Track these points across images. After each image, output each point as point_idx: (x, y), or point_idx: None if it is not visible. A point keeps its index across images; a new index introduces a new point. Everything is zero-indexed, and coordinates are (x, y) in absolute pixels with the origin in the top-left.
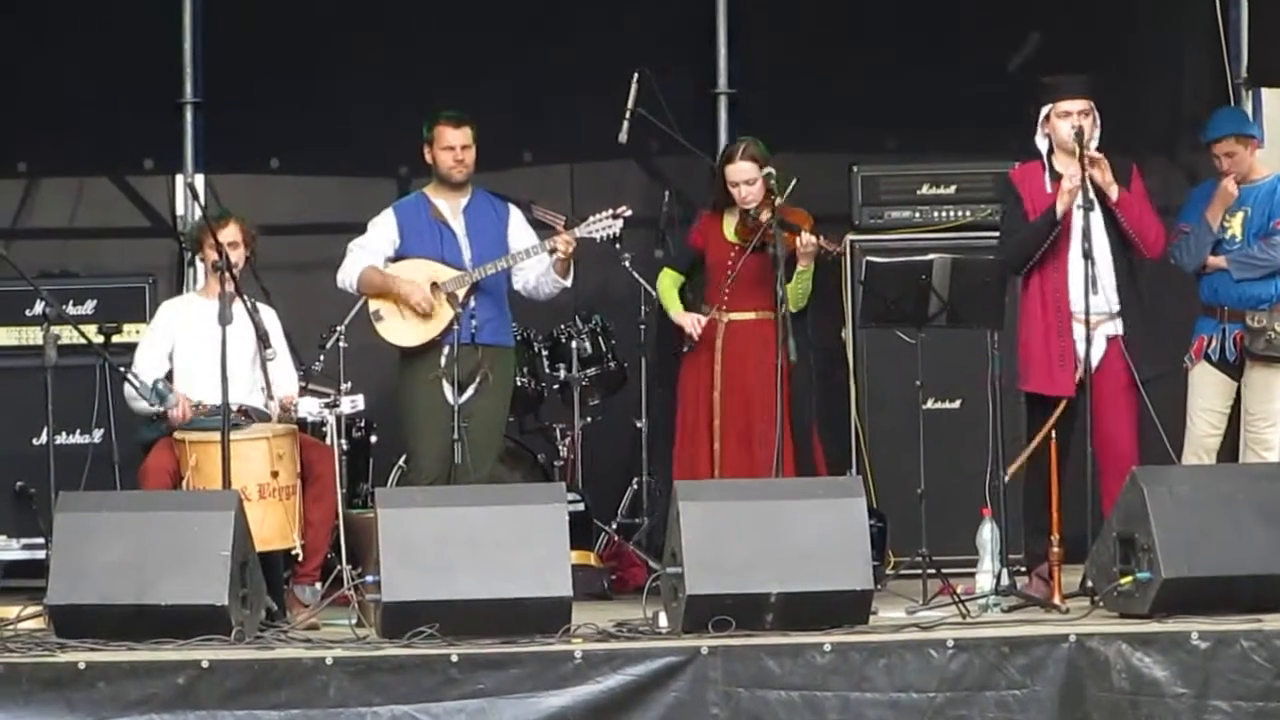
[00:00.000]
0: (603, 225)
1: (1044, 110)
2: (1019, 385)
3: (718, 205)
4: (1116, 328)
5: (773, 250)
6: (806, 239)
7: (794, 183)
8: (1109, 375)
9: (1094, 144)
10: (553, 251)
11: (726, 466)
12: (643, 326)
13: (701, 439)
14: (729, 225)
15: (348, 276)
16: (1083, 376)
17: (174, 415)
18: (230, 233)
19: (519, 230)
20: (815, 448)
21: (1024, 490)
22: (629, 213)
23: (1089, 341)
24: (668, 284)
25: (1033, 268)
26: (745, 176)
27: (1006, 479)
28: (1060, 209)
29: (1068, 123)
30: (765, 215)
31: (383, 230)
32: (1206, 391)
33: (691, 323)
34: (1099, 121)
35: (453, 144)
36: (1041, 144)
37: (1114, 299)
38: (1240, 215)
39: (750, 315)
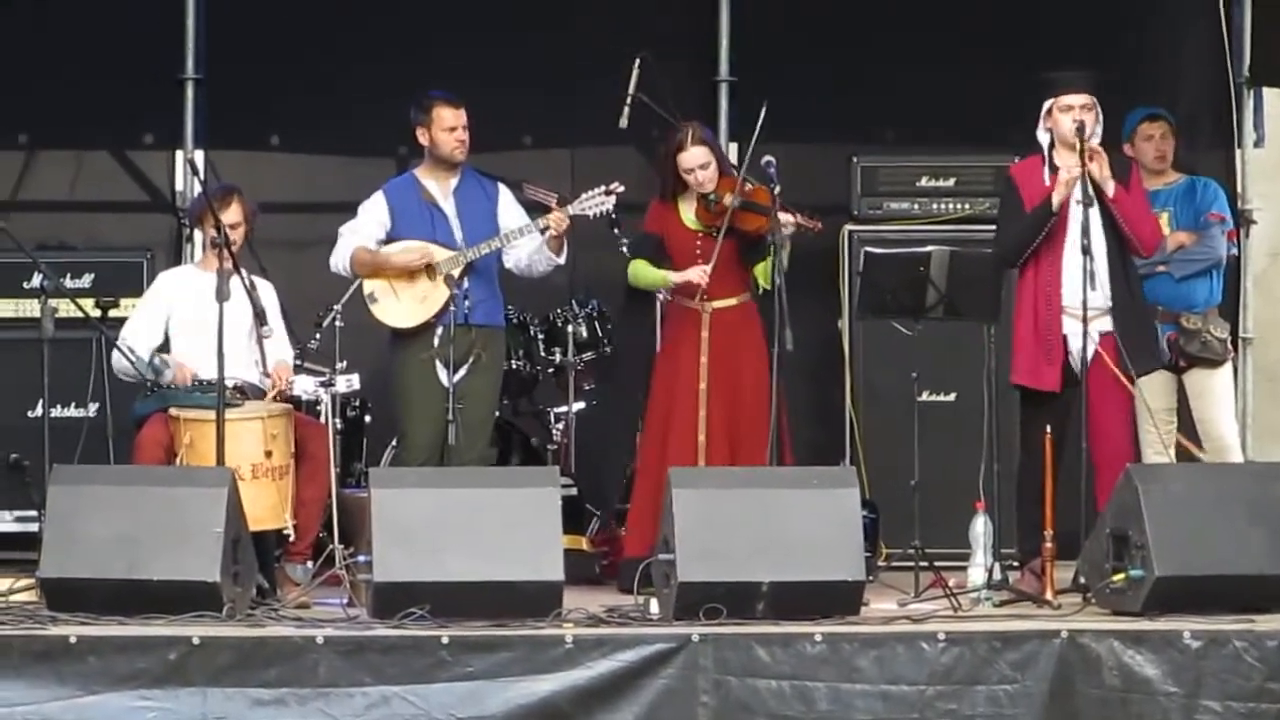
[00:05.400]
0: (595, 202)
1: (1046, 104)
2: (1010, 379)
3: (667, 193)
4: (1109, 324)
5: (771, 237)
6: (784, 219)
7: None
8: (1102, 371)
9: (1096, 139)
10: (545, 230)
11: (712, 459)
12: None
13: (686, 431)
14: (685, 212)
15: (340, 260)
16: (1080, 371)
17: (176, 378)
18: (232, 213)
19: (509, 208)
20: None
21: (1017, 485)
22: (621, 189)
23: (1085, 337)
24: (643, 266)
25: (1027, 261)
26: (699, 162)
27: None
28: (1056, 200)
29: (1069, 117)
30: (728, 199)
31: (374, 213)
32: (1154, 391)
33: (700, 274)
34: (1101, 117)
35: (454, 124)
36: (1043, 138)
37: (1108, 295)
38: (1165, 216)
39: (732, 301)
